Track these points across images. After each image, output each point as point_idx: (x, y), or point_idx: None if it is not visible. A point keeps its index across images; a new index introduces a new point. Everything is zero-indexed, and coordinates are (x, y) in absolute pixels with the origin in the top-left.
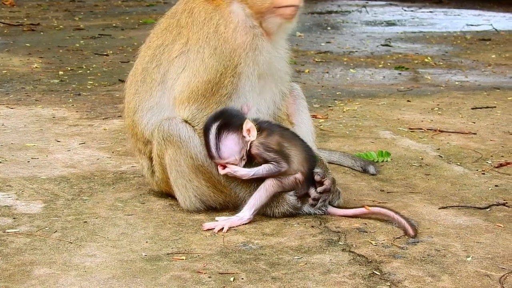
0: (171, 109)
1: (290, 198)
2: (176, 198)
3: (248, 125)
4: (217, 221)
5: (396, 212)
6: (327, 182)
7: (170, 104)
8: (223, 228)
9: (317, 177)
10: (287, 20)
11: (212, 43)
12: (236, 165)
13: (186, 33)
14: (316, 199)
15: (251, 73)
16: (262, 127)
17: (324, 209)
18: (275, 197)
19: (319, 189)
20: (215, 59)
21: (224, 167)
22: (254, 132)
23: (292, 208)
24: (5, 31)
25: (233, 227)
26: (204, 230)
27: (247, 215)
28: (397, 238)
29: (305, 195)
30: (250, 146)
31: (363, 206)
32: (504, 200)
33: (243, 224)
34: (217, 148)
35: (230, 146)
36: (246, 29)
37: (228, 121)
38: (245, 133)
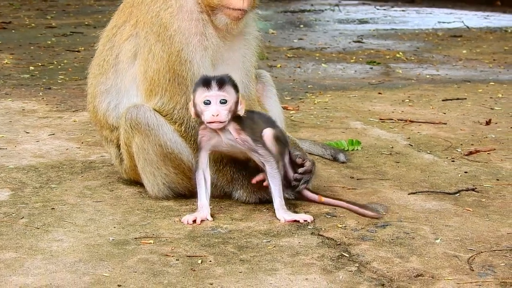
0: (129, 94)
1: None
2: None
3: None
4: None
5: (350, 202)
6: (307, 164)
7: (127, 88)
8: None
9: (298, 160)
10: (233, 22)
11: (155, 28)
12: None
13: (136, 14)
14: (298, 180)
15: (200, 59)
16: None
17: (301, 191)
18: (250, 184)
19: (301, 170)
20: (159, 46)
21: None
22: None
23: (267, 194)
24: None
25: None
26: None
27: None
28: (366, 222)
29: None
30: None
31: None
32: (474, 185)
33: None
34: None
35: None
36: (187, 14)
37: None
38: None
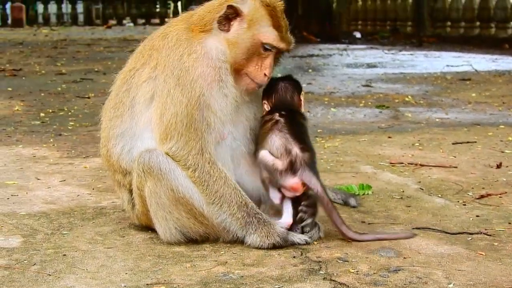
0: (143, 137)
1: (280, 228)
2: (156, 231)
3: None
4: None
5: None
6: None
7: (141, 131)
8: None
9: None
10: (251, 89)
11: (176, 72)
12: None
13: (156, 56)
14: (304, 212)
15: (219, 105)
16: None
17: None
18: (267, 227)
19: (306, 202)
20: (179, 90)
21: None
22: None
23: (282, 239)
24: None
25: None
26: None
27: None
28: (378, 267)
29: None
30: None
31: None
32: (486, 229)
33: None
34: None
35: None
36: (211, 61)
37: None
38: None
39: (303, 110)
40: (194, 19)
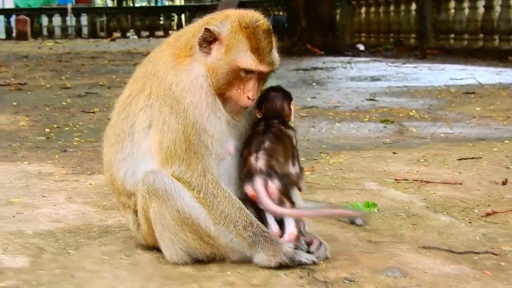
0: (146, 162)
1: (287, 248)
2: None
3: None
4: None
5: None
6: (315, 241)
7: (143, 157)
8: None
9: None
10: (239, 111)
11: (168, 102)
12: None
13: (149, 85)
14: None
15: (215, 128)
16: None
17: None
18: (273, 246)
19: (313, 248)
20: (173, 118)
21: None
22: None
23: (289, 259)
24: None
25: None
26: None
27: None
28: (384, 287)
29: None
30: None
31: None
32: (492, 248)
33: None
34: None
35: None
36: (198, 89)
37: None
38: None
39: (293, 119)
40: (180, 43)
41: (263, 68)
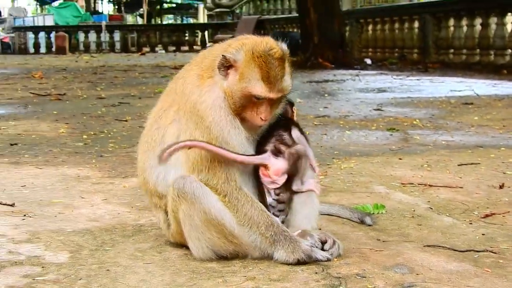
0: (175, 168)
1: (304, 246)
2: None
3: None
4: None
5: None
6: (329, 240)
7: (173, 164)
8: None
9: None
10: (256, 129)
11: (194, 118)
12: None
13: (178, 101)
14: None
15: (236, 141)
16: None
17: (333, 253)
18: (292, 244)
19: (327, 246)
20: (199, 133)
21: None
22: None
23: (306, 256)
24: (35, 101)
25: None
26: None
27: None
28: (394, 283)
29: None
30: None
31: None
32: (491, 247)
33: None
34: None
35: None
36: (217, 110)
37: None
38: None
39: (295, 119)
40: (205, 65)
41: (272, 95)
